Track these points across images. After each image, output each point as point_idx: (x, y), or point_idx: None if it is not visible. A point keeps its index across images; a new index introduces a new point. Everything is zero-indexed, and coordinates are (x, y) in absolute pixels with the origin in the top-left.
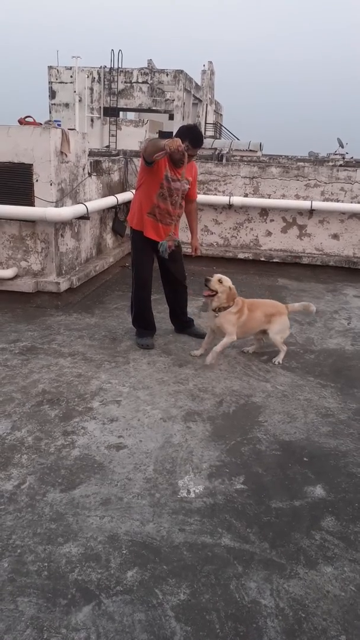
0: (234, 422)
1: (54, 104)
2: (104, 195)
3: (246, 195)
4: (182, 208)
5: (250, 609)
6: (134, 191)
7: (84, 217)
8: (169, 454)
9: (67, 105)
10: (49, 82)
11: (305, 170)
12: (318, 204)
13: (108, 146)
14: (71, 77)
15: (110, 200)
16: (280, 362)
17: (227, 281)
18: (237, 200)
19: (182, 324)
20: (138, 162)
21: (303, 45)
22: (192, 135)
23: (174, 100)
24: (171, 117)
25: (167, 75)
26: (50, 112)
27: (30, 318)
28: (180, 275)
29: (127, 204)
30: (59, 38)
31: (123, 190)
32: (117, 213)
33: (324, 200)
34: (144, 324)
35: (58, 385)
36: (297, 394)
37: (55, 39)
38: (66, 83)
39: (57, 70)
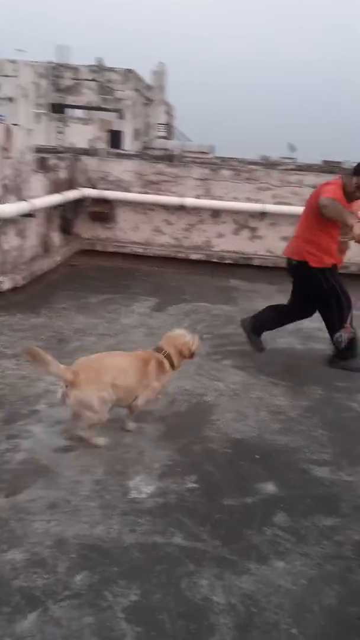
0: (185, 421)
1: None
2: (50, 193)
3: (198, 197)
4: None
5: (201, 607)
6: (81, 189)
7: (29, 215)
8: (119, 455)
9: (10, 99)
10: None
11: (257, 173)
12: (269, 207)
13: (54, 148)
14: (15, 70)
15: (56, 198)
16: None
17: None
18: (189, 201)
19: None
20: (87, 160)
21: (253, 46)
22: None
23: (124, 99)
24: (121, 116)
25: (117, 74)
26: None
27: None
28: None
29: (76, 202)
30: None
31: (70, 188)
32: (65, 211)
33: (275, 204)
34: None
35: (0, 388)
36: (249, 393)
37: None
38: (10, 76)
39: (0, 63)
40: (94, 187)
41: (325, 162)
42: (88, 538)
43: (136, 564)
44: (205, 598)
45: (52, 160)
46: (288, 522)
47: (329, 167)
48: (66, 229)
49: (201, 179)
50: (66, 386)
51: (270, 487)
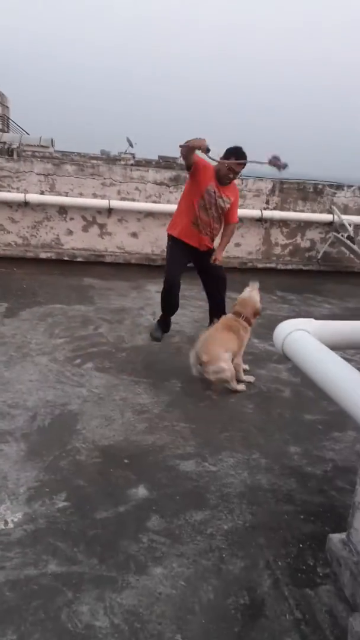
0: (50, 435)
1: None
2: None
3: (42, 193)
4: (221, 225)
5: (85, 636)
6: None
7: None
8: None
9: None
10: None
11: (101, 169)
12: (115, 203)
13: None
14: None
15: None
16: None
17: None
18: (32, 197)
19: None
20: None
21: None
22: (237, 152)
23: None
24: None
25: None
26: None
27: None
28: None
29: None
30: None
31: None
32: None
33: (120, 199)
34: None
35: None
36: (113, 395)
37: None
38: None
39: None
40: None
41: (162, 157)
42: None
43: (9, 605)
44: (88, 625)
45: None
46: (162, 524)
47: (166, 163)
48: None
49: (44, 174)
50: (200, 364)
51: (141, 491)
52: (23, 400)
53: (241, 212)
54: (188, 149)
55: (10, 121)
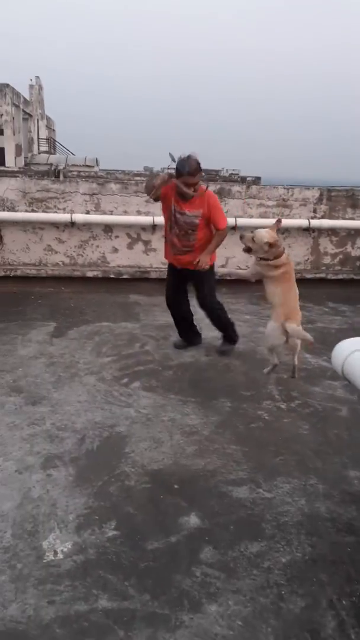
0: (99, 459)
1: None
2: None
3: (88, 212)
4: (196, 240)
5: None
6: None
7: None
8: (28, 511)
9: None
10: None
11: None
12: (160, 219)
13: None
14: None
15: None
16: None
17: (262, 238)
18: (78, 217)
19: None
20: None
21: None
22: (178, 166)
23: (2, 114)
24: (1, 133)
25: None
26: None
27: None
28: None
29: None
30: None
31: None
32: None
33: None
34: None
35: None
36: (161, 415)
37: None
38: None
39: None
40: None
41: (203, 170)
42: (0, 623)
43: None
44: None
45: None
46: (215, 556)
47: (208, 176)
48: None
49: (89, 194)
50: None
51: (193, 520)
52: (72, 423)
53: (287, 222)
54: (151, 190)
55: (56, 143)
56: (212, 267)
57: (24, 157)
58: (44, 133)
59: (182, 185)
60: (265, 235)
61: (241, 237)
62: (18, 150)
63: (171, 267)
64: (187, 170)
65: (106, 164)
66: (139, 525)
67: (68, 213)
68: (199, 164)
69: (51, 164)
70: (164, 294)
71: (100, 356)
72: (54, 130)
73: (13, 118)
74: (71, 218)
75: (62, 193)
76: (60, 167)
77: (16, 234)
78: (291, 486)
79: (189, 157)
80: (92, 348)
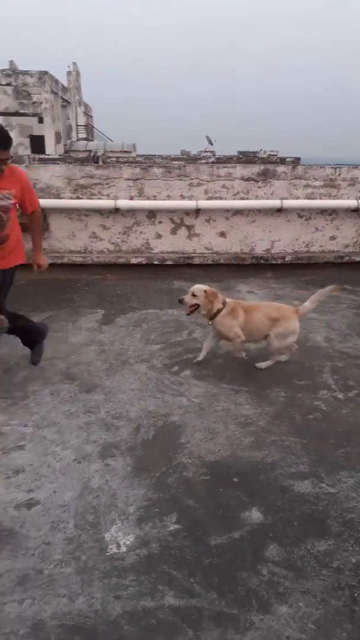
0: (155, 449)
1: None
2: None
3: (132, 198)
4: (9, 228)
5: None
6: None
7: None
8: (89, 502)
9: None
10: None
11: (187, 169)
12: (203, 203)
13: None
14: None
15: None
16: (263, 367)
17: (200, 289)
18: (123, 203)
19: None
20: None
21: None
22: None
23: (41, 102)
24: (40, 121)
25: (32, 76)
26: None
27: None
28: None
29: None
30: None
31: None
32: None
33: (207, 199)
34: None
35: None
36: (214, 405)
37: None
38: None
39: None
40: None
41: (241, 152)
42: (68, 616)
43: None
44: None
45: None
46: (281, 554)
47: (247, 158)
48: None
49: (133, 179)
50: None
51: (255, 515)
52: (126, 411)
53: (334, 202)
54: None
55: (94, 129)
56: (14, 270)
57: (64, 145)
58: (82, 120)
59: None
60: (202, 286)
61: (180, 301)
62: (57, 137)
63: None
64: (9, 144)
65: (143, 149)
66: (200, 519)
67: (112, 199)
68: (9, 135)
69: (90, 151)
70: (205, 280)
71: (149, 344)
72: (91, 116)
73: (52, 105)
74: (115, 204)
75: (106, 179)
76: (99, 154)
77: (62, 221)
78: (355, 481)
79: (2, 127)
80: (141, 335)
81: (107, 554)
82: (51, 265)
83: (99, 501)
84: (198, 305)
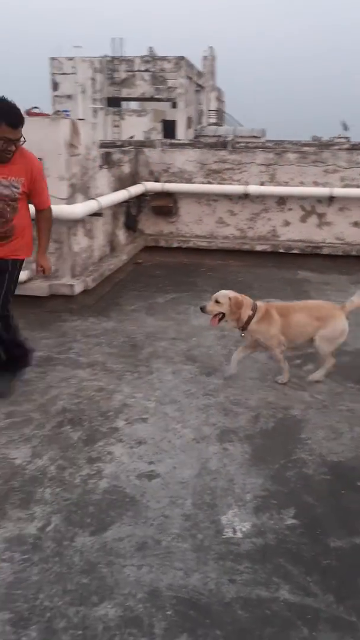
0: (274, 441)
1: (57, 96)
2: (116, 189)
3: (262, 184)
4: (12, 220)
5: None
6: (145, 183)
7: (97, 214)
8: (207, 483)
9: (69, 96)
10: (52, 74)
11: (324, 155)
12: (338, 191)
13: (113, 142)
14: (73, 67)
15: (122, 194)
16: (319, 379)
17: (225, 296)
18: (253, 189)
19: None
20: (149, 152)
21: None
22: (8, 113)
23: (176, 87)
24: (174, 105)
25: (169, 62)
26: (53, 104)
27: (45, 324)
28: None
29: (139, 197)
30: (59, 27)
31: (134, 182)
32: (129, 207)
33: (343, 187)
34: None
35: (79, 401)
36: (338, 404)
37: (55, 28)
38: (68, 74)
39: (59, 62)
40: (156, 180)
41: None
42: (184, 590)
43: (241, 625)
44: None
45: (116, 155)
46: None
47: None
48: (131, 226)
49: (265, 164)
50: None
51: None
52: (245, 399)
53: None
54: None
55: (225, 114)
56: (20, 264)
57: (194, 129)
58: (213, 104)
59: (2, 140)
60: (228, 292)
61: (203, 309)
62: (189, 122)
63: None
64: (10, 119)
65: (272, 133)
66: (319, 518)
67: (243, 184)
68: (20, 113)
69: (219, 136)
70: (333, 272)
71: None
72: (223, 101)
73: (186, 90)
74: (245, 189)
75: (238, 164)
76: (229, 139)
77: (191, 206)
78: None
79: (7, 102)
80: None
81: (223, 536)
82: (176, 249)
83: (216, 484)
84: (224, 315)
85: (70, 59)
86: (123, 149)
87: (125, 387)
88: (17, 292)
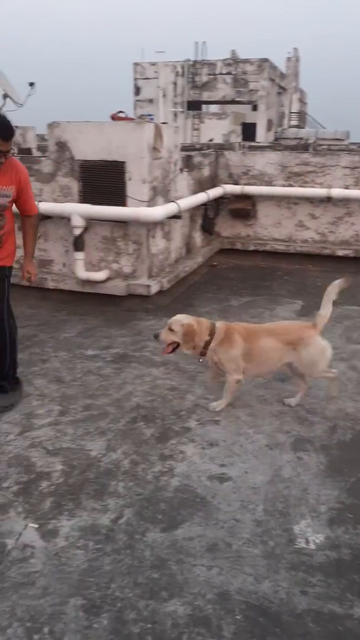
0: (352, 454)
1: (139, 100)
2: (195, 192)
3: (347, 187)
4: (4, 227)
5: None
6: (224, 186)
7: (176, 216)
8: (279, 490)
9: (150, 100)
10: (134, 79)
11: None
12: None
13: (192, 145)
14: (155, 72)
15: (201, 197)
16: (333, 396)
17: (178, 322)
18: (337, 192)
19: None
20: (229, 155)
21: None
22: None
23: (258, 90)
24: (255, 108)
25: (252, 64)
26: (134, 109)
27: (121, 322)
28: None
29: (217, 199)
30: (144, 33)
31: (213, 185)
32: (207, 210)
33: None
34: None
35: (152, 399)
36: None
37: (140, 35)
38: (150, 79)
39: (142, 67)
40: (235, 183)
41: None
42: (254, 596)
43: (313, 639)
44: None
45: (196, 158)
46: None
47: None
48: (207, 228)
49: (351, 168)
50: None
51: None
52: (321, 408)
53: None
54: None
55: (307, 117)
56: (9, 270)
57: (274, 132)
58: (296, 107)
59: None
60: (182, 317)
61: (156, 337)
62: (269, 124)
63: None
64: (1, 132)
65: (357, 136)
66: None
67: (325, 188)
68: (11, 125)
69: (300, 138)
70: None
71: (351, 342)
72: (305, 103)
73: (268, 93)
74: (328, 193)
75: (321, 167)
76: (310, 141)
77: (270, 209)
78: None
79: (4, 116)
80: (342, 332)
81: (295, 546)
82: (253, 252)
83: (289, 492)
84: (178, 344)
85: (153, 64)
86: (203, 152)
87: (197, 389)
88: (95, 290)
